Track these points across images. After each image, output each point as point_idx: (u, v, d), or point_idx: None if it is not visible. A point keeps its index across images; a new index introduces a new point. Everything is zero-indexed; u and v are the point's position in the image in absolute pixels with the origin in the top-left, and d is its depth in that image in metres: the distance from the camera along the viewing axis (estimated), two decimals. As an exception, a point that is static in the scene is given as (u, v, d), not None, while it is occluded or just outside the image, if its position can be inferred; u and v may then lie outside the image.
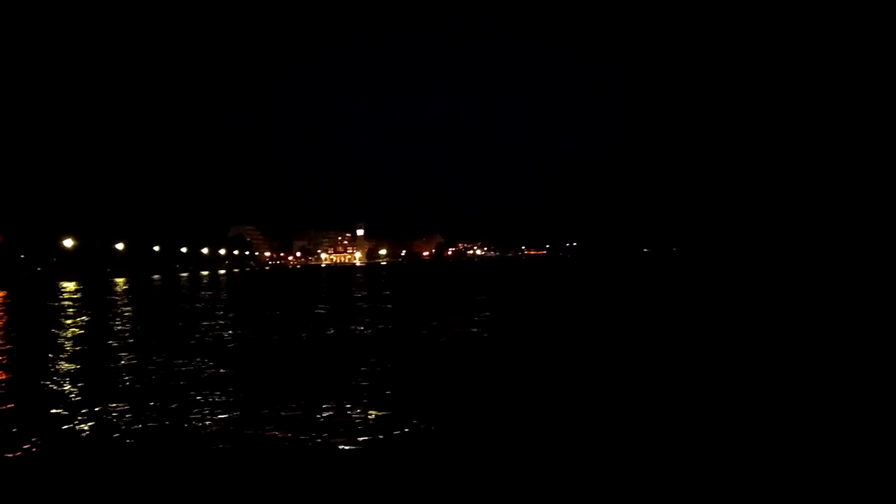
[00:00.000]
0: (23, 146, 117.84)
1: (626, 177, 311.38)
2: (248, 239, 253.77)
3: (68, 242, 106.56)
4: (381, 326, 17.59)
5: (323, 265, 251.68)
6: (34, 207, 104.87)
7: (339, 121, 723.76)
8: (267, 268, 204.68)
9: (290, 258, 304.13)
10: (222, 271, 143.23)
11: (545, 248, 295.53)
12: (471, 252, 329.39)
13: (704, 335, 13.78)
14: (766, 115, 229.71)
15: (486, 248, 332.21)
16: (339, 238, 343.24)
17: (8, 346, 16.74)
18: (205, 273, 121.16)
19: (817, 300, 20.85)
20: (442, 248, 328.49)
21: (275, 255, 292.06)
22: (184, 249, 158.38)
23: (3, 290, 65.24)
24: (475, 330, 15.61)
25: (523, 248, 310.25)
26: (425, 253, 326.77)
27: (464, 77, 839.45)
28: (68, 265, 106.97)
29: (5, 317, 28.14)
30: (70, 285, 69.68)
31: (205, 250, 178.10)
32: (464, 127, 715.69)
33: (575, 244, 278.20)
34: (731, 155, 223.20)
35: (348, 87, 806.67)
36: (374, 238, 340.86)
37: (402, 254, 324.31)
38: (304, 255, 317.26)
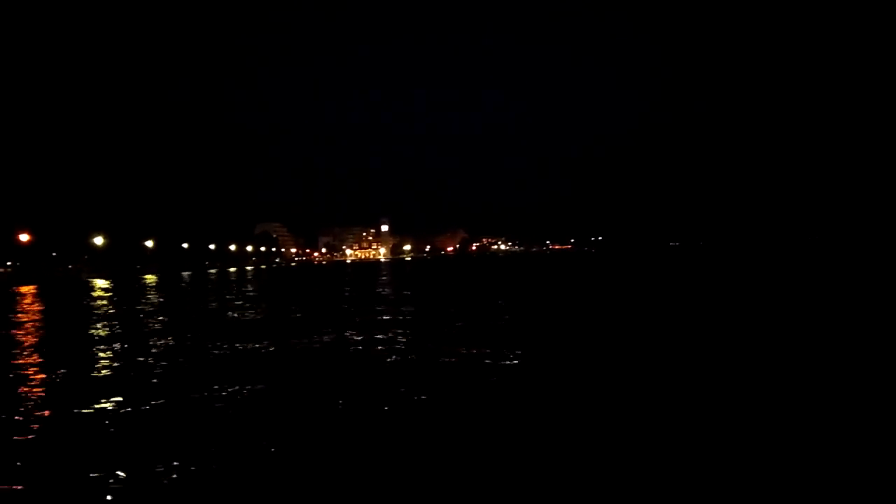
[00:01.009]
0: (53, 146, 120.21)
1: (652, 170, 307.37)
2: (275, 236, 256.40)
3: (98, 240, 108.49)
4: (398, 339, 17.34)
5: (348, 261, 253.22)
6: (64, 206, 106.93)
7: (361, 119, 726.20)
8: (293, 264, 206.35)
9: (316, 254, 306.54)
10: (249, 267, 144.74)
11: (570, 243, 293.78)
12: (495, 247, 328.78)
13: (724, 334, 13.38)
14: (797, 104, 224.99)
15: (510, 244, 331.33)
16: (364, 234, 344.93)
17: (38, 338, 17.10)
18: (232, 270, 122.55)
19: (848, 298, 20.32)
20: (466, 244, 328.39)
21: (300, 252, 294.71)
22: (212, 246, 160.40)
23: (33, 285, 66.87)
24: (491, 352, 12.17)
25: (548, 242, 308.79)
26: (449, 248, 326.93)
27: (483, 73, 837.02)
28: (98, 262, 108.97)
29: (37, 309, 28.71)
30: (101, 282, 70.99)
31: (232, 247, 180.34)
32: (488, 123, 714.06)
33: (600, 238, 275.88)
34: (762, 146, 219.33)
35: (367, 84, 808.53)
36: (398, 234, 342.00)
37: (426, 249, 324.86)
38: (329, 251, 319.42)
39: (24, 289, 59.21)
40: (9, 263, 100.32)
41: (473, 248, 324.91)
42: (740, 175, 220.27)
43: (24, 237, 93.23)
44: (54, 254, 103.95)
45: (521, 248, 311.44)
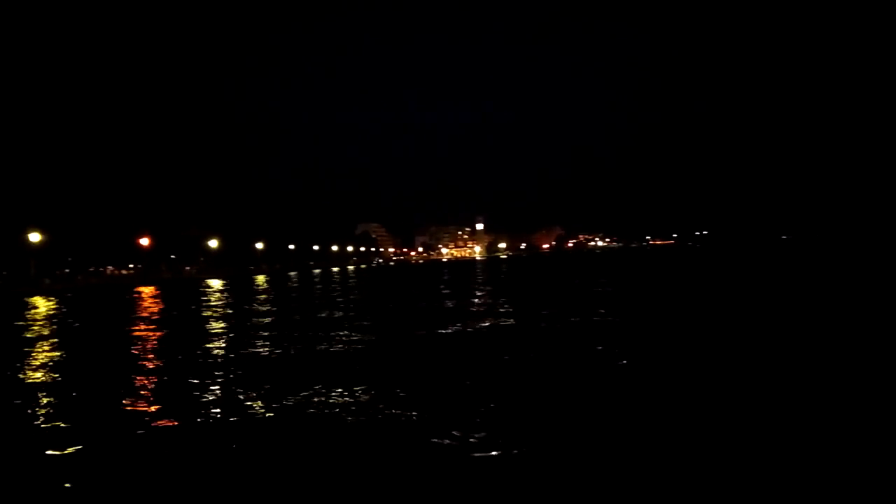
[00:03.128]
0: (169, 155, 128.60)
1: (761, 159, 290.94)
2: (374, 236, 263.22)
3: (213, 243, 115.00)
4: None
5: (444, 259, 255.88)
6: (183, 212, 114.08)
7: (452, 119, 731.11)
8: (391, 263, 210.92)
9: (413, 253, 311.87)
10: (350, 267, 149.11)
11: (672, 238, 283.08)
12: (592, 244, 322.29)
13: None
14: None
15: (607, 239, 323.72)
16: (459, 233, 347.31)
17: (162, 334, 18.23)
18: (335, 269, 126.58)
19: None
20: (562, 241, 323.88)
21: (398, 251, 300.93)
22: (315, 247, 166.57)
23: (153, 286, 71.84)
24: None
25: (648, 238, 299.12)
26: (545, 246, 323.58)
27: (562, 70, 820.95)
28: (213, 264, 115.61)
29: (160, 306, 30.66)
30: (215, 282, 75.16)
31: (334, 247, 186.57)
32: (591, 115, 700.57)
33: (705, 233, 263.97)
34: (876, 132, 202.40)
35: (443, 86, 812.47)
36: (494, 232, 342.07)
37: (522, 247, 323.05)
38: (425, 249, 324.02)
39: (144, 289, 63.65)
40: (131, 266, 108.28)
41: (570, 244, 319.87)
42: (861, 162, 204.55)
43: (144, 241, 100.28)
44: (173, 256, 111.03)
45: (620, 243, 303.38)
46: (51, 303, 43.52)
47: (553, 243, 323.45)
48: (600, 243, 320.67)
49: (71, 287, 75.52)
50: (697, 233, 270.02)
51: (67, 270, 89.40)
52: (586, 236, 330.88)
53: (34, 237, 76.85)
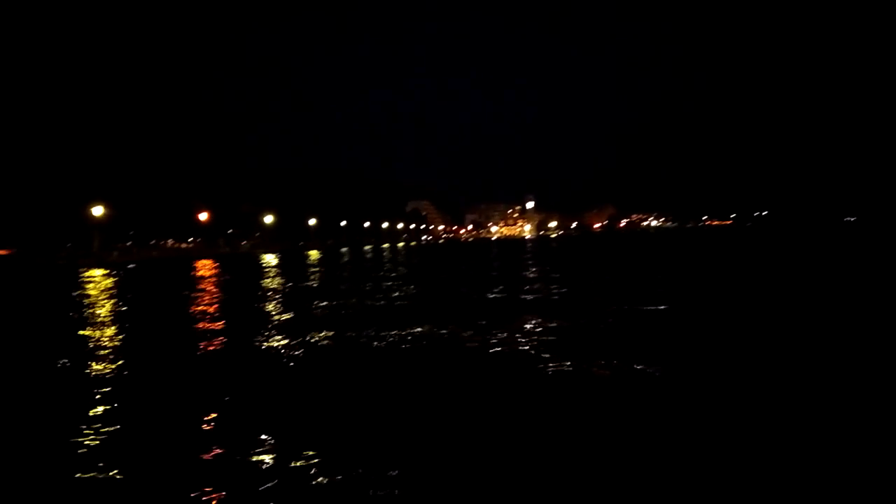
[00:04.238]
0: (228, 133, 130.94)
1: (825, 136, 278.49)
2: (424, 213, 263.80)
3: (268, 218, 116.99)
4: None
5: (493, 238, 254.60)
6: (240, 187, 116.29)
7: (502, 99, 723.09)
8: (440, 241, 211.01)
9: (462, 231, 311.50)
10: (401, 244, 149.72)
11: (730, 218, 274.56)
12: (645, 223, 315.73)
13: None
14: None
15: (662, 219, 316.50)
16: (509, 211, 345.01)
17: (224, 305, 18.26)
18: (385, 246, 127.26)
19: None
20: (614, 220, 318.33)
21: (448, 229, 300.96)
22: (366, 224, 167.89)
23: (210, 259, 73.36)
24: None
25: (704, 217, 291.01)
26: (596, 225, 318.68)
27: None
28: (267, 239, 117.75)
29: (220, 279, 31.01)
30: (269, 257, 76.33)
31: (385, 224, 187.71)
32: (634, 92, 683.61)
33: (765, 213, 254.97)
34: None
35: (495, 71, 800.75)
36: (544, 210, 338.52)
37: (573, 226, 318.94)
38: (475, 228, 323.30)
39: (204, 262, 65.05)
40: (190, 240, 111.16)
41: (622, 224, 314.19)
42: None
43: (203, 216, 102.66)
44: (230, 231, 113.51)
45: (675, 223, 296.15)
46: (112, 276, 44.74)
47: (605, 222, 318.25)
48: (654, 223, 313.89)
49: (133, 259, 77.80)
50: (757, 213, 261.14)
51: (129, 243, 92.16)
52: (640, 216, 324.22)
53: (97, 211, 79.30)
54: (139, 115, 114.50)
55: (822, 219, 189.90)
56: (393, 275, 31.75)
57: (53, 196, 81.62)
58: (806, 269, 24.68)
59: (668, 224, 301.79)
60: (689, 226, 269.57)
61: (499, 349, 9.87)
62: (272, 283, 29.08)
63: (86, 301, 23.01)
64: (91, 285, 32.82)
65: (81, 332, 14.25)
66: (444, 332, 11.55)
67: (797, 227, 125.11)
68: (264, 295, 22.32)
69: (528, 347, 9.89)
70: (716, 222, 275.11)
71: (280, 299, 20.68)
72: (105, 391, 8.28)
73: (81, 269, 54.95)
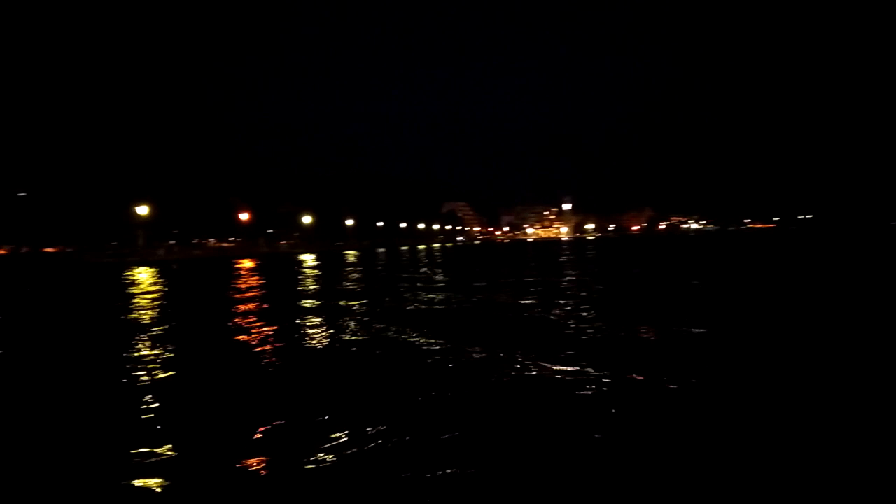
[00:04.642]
0: (268, 135, 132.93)
1: (873, 135, 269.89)
2: (460, 214, 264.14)
3: (307, 219, 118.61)
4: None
5: (529, 240, 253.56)
6: (279, 188, 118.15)
7: (537, 96, 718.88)
8: (476, 242, 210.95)
9: (498, 232, 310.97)
10: (436, 245, 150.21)
11: (773, 221, 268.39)
12: (685, 226, 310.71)
13: None
14: None
15: (702, 222, 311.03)
16: (546, 212, 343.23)
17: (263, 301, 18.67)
18: (421, 247, 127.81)
19: None
20: (653, 222, 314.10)
21: (484, 230, 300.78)
22: (403, 224, 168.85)
23: (252, 258, 74.75)
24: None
25: (746, 220, 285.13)
26: (634, 227, 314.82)
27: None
28: (306, 239, 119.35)
29: (262, 279, 31.63)
30: (309, 257, 77.37)
31: (421, 225, 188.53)
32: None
33: (810, 216, 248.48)
34: None
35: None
36: (581, 212, 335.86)
37: (610, 228, 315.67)
38: (511, 229, 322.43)
39: (244, 261, 66.30)
40: (231, 239, 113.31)
41: (662, 226, 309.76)
42: None
43: (244, 216, 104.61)
44: (269, 231, 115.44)
45: (716, 226, 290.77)
46: (158, 274, 45.91)
47: (644, 225, 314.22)
48: (694, 225, 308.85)
49: (176, 258, 79.72)
50: (801, 216, 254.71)
51: (172, 242, 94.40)
52: (680, 218, 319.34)
53: (142, 210, 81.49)
54: (183, 117, 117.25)
55: (868, 222, 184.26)
56: (425, 272, 31.98)
57: (100, 196, 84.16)
58: (857, 276, 24.08)
59: (709, 227, 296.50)
60: (730, 228, 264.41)
61: (523, 377, 8.34)
62: (310, 283, 29.55)
63: (140, 297, 23.74)
64: (138, 282, 33.80)
65: (138, 325, 14.76)
66: (472, 350, 10.20)
67: (843, 231, 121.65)
68: (302, 295, 22.69)
69: (556, 375, 8.33)
70: (758, 225, 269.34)
71: (317, 300, 21.03)
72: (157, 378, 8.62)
73: (127, 267, 56.57)
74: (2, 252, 74.51)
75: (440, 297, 18.84)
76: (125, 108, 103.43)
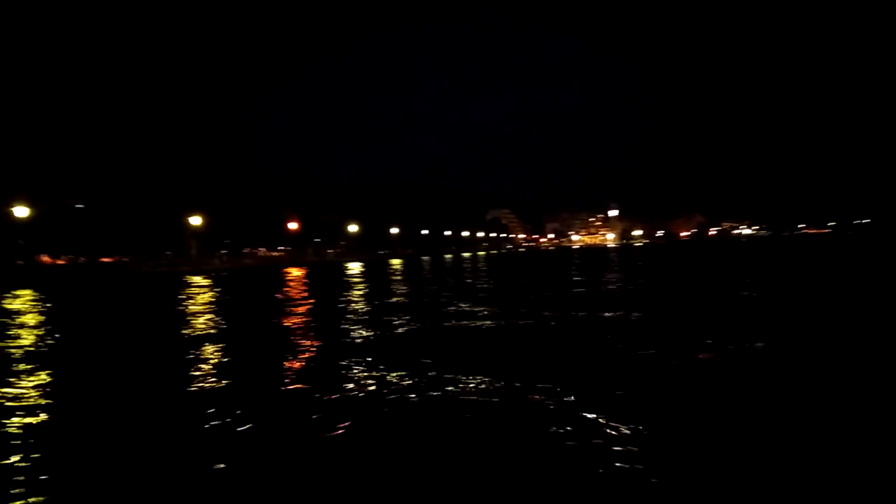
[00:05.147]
0: (315, 149, 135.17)
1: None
2: (504, 222, 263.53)
3: (353, 228, 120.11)
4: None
5: (575, 247, 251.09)
6: (327, 198, 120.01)
7: (584, 103, 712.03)
8: (521, 249, 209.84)
9: (543, 240, 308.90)
10: (481, 253, 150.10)
11: (828, 226, 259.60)
12: (737, 231, 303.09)
13: None
14: None
15: (755, 227, 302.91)
16: (591, 219, 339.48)
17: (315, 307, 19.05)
18: (466, 255, 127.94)
19: None
20: (704, 228, 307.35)
21: (528, 237, 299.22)
22: (447, 233, 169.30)
23: (301, 267, 76.14)
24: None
25: (800, 225, 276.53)
26: (684, 233, 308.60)
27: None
28: (352, 248, 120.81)
29: (310, 289, 32.22)
30: (355, 265, 78.31)
31: (465, 233, 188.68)
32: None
33: (867, 221, 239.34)
34: None
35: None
36: (628, 218, 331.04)
37: (659, 234, 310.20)
38: (556, 236, 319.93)
39: (294, 270, 67.53)
40: (280, 248, 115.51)
41: (712, 232, 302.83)
42: None
43: (292, 226, 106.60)
44: (317, 240, 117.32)
45: (769, 231, 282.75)
46: (212, 282, 47.10)
47: (693, 231, 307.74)
48: (746, 231, 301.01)
49: (228, 266, 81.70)
50: (857, 221, 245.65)
51: (224, 251, 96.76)
52: (731, 223, 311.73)
53: (195, 220, 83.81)
54: (235, 132, 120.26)
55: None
56: (469, 283, 32.01)
57: (155, 207, 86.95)
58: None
59: (762, 232, 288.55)
60: (784, 234, 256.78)
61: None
62: (357, 292, 29.89)
63: (198, 305, 24.46)
64: (196, 290, 34.80)
65: (197, 334, 15.24)
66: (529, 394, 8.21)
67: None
68: (348, 307, 22.96)
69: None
70: (813, 230, 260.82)
71: (362, 311, 21.29)
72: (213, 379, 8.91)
73: (182, 276, 58.24)
74: (60, 262, 77.60)
75: (485, 310, 18.67)
76: (180, 123, 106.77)
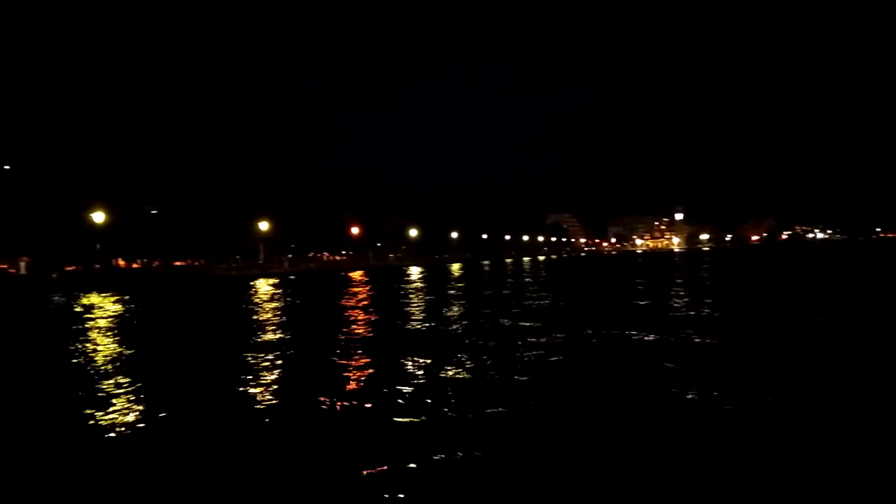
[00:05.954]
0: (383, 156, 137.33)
1: None
2: (565, 226, 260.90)
3: (413, 232, 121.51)
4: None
5: (638, 251, 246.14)
6: (388, 204, 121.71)
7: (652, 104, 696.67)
8: (582, 254, 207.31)
9: (605, 244, 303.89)
10: (541, 257, 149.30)
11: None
12: (810, 235, 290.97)
13: None
14: None
15: (829, 231, 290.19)
16: (656, 223, 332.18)
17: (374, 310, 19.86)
18: (526, 259, 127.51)
19: None
20: (775, 232, 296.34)
21: (590, 242, 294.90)
22: (507, 237, 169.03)
23: (361, 270, 77.79)
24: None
25: (878, 229, 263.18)
26: (754, 237, 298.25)
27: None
28: (412, 252, 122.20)
29: (370, 289, 33.16)
30: (415, 269, 79.37)
31: (525, 237, 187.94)
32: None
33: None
34: None
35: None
36: (695, 222, 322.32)
37: (727, 238, 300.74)
38: (619, 240, 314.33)
39: (356, 274, 69.09)
40: (343, 252, 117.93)
41: (784, 236, 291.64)
42: None
43: (355, 230, 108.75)
44: (378, 244, 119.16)
45: (844, 236, 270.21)
46: (280, 285, 48.78)
47: (764, 235, 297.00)
48: (820, 235, 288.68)
49: (294, 270, 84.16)
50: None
51: (290, 255, 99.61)
52: (804, 227, 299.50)
53: (263, 226, 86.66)
54: (301, 139, 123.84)
55: None
56: (532, 294, 32.25)
57: (225, 212, 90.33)
58: None
59: (836, 236, 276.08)
60: (859, 238, 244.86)
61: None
62: (417, 298, 30.60)
63: (267, 311, 25.72)
64: (268, 292, 36.36)
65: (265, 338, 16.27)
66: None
67: None
68: (408, 313, 23.62)
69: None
70: (890, 234, 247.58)
71: (422, 317, 21.93)
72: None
73: (251, 279, 60.50)
74: (135, 266, 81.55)
75: (540, 324, 18.24)
76: (251, 132, 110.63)
